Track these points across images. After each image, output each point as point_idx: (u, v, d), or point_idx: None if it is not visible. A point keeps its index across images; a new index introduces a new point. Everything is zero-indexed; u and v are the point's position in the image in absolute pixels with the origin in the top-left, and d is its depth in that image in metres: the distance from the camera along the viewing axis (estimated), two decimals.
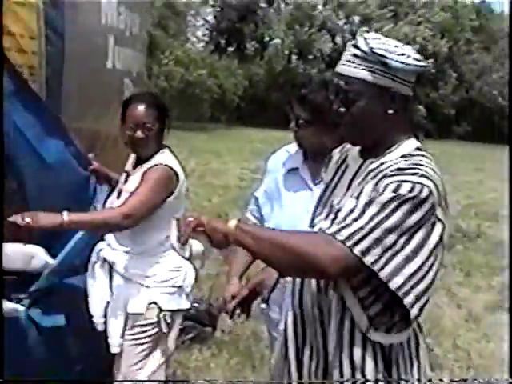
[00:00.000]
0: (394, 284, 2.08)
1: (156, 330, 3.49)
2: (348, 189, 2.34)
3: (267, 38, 41.93)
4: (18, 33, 3.24)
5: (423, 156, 2.25)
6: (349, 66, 2.23)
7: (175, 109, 26.22)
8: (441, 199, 2.16)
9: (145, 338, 3.49)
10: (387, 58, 2.16)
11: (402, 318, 2.21)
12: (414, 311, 2.13)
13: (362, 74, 2.19)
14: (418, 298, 2.12)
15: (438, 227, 2.15)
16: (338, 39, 43.54)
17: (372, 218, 2.08)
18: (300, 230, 2.45)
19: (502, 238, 10.72)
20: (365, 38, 2.21)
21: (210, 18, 44.47)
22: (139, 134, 3.37)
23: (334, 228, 2.10)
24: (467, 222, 12.04)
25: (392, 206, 2.07)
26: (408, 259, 2.08)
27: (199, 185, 13.44)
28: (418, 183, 2.09)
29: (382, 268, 2.07)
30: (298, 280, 2.47)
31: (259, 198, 3.55)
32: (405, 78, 2.21)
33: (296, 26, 41.14)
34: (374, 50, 2.16)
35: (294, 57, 40.81)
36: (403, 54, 2.18)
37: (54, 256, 3.60)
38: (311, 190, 3.24)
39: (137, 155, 3.56)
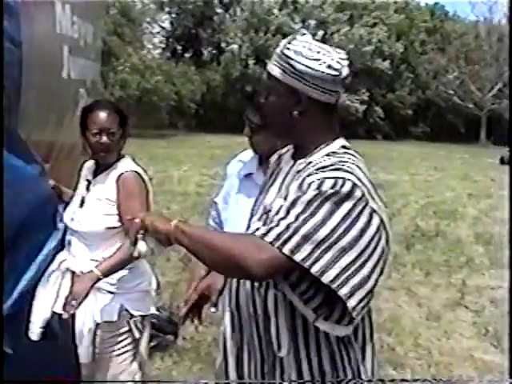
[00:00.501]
0: (327, 277, 2.10)
1: (131, 336, 3.48)
2: (279, 190, 2.41)
3: (224, 44, 41.99)
4: None
5: (348, 154, 2.32)
6: (272, 63, 2.35)
7: (133, 116, 26.10)
8: (370, 193, 2.21)
9: (124, 346, 3.48)
10: (293, 60, 2.26)
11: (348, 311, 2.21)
12: (351, 302, 2.14)
13: (276, 71, 2.32)
14: (354, 289, 2.13)
15: (376, 219, 2.18)
16: None
17: (298, 217, 2.11)
18: (234, 233, 2.49)
19: (461, 235, 10.88)
20: (289, 41, 2.32)
21: (166, 24, 44.41)
22: (105, 139, 3.37)
23: (263, 230, 2.14)
24: (426, 221, 12.17)
25: (316, 202, 2.11)
26: (343, 252, 2.10)
27: (158, 192, 13.35)
28: (340, 178, 2.14)
29: (314, 263, 2.09)
30: (234, 279, 2.51)
31: (218, 204, 3.58)
32: (315, 82, 2.26)
33: (252, 31, 41.29)
34: (283, 51, 2.28)
35: (250, 62, 40.91)
36: (316, 60, 2.25)
37: None
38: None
39: (98, 162, 3.54)
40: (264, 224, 2.22)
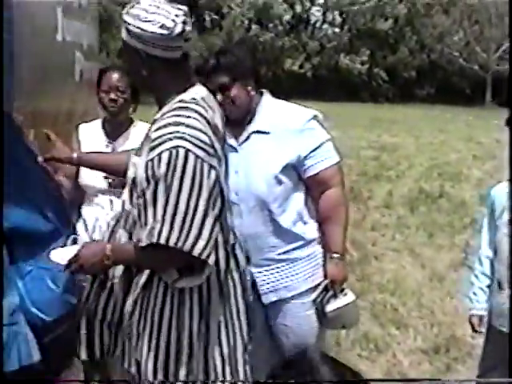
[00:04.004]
0: (197, 251, 2.46)
1: None
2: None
3: (225, 9, 41.69)
4: None
5: (194, 104, 2.56)
6: (122, 27, 2.57)
7: None
8: (207, 146, 2.48)
9: None
10: (131, 24, 2.49)
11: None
12: (204, 255, 2.48)
13: (123, 34, 2.55)
14: (207, 244, 2.47)
15: (213, 174, 2.49)
16: (298, 6, 43.45)
17: (164, 210, 2.43)
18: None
19: (465, 197, 10.83)
20: (131, 6, 2.53)
21: None
22: (113, 95, 3.71)
23: (144, 237, 2.48)
24: (430, 183, 12.12)
25: (161, 192, 2.42)
26: (201, 221, 2.46)
27: None
28: (174, 147, 2.41)
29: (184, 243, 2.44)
30: None
31: None
32: (152, 41, 2.49)
33: None
34: (123, 17, 2.51)
35: (253, 26, 40.66)
36: (150, 21, 2.46)
37: None
38: (236, 150, 3.27)
39: (111, 124, 3.84)
40: (131, 197, 2.64)
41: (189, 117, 2.49)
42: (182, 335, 2.67)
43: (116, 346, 2.91)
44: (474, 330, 3.61)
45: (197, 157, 2.42)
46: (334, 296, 3.38)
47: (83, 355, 2.98)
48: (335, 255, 3.37)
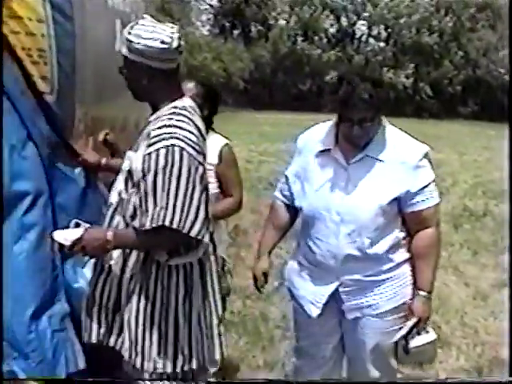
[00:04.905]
0: (193, 233, 2.91)
1: None
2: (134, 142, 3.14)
3: (272, 21, 41.76)
4: (25, 16, 3.24)
5: (185, 110, 3.03)
6: (121, 45, 3.03)
7: None
8: (196, 145, 2.94)
9: None
10: (134, 42, 2.91)
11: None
12: (200, 236, 2.94)
13: (124, 51, 2.97)
14: (202, 225, 2.93)
15: (200, 169, 2.95)
16: (344, 20, 43.39)
17: (167, 199, 2.85)
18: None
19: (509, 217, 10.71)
20: (131, 26, 2.95)
21: (213, 2, 44.29)
22: None
23: (148, 222, 2.89)
24: (475, 201, 12.04)
25: (160, 182, 2.85)
26: (197, 208, 2.90)
27: None
28: (170, 146, 2.86)
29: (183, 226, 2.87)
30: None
31: (289, 177, 3.61)
32: (153, 55, 2.93)
33: (299, 6, 40.93)
34: (127, 37, 2.92)
35: (299, 38, 40.65)
36: (151, 38, 2.89)
37: None
38: (345, 168, 3.32)
39: None
40: (126, 187, 3.04)
41: (182, 121, 2.96)
42: (169, 311, 3.08)
43: (112, 330, 3.22)
44: None
45: (189, 154, 2.88)
46: (418, 333, 3.42)
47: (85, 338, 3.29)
48: (423, 293, 3.40)
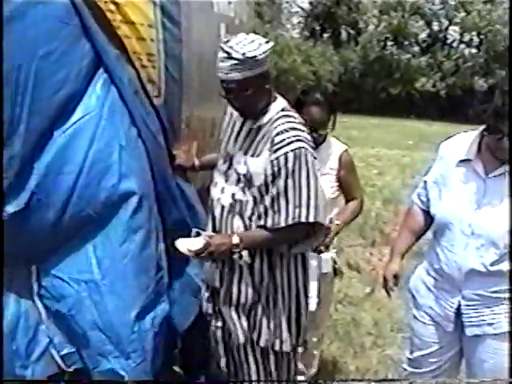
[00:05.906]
0: (321, 220, 3.20)
1: None
2: (243, 147, 3.29)
3: (362, 24, 41.50)
4: (137, 22, 3.33)
5: (291, 116, 3.24)
6: (228, 72, 3.08)
7: None
8: (310, 142, 3.22)
9: None
10: (241, 61, 3.02)
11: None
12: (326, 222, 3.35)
13: (237, 76, 3.07)
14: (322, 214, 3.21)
15: (316, 162, 3.18)
16: (435, 24, 42.77)
17: (300, 195, 3.11)
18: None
19: None
20: (231, 47, 3.03)
21: (305, 4, 44.30)
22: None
23: (283, 219, 3.13)
24: None
25: (291, 183, 3.09)
26: (318, 198, 3.15)
27: None
28: (297, 149, 3.09)
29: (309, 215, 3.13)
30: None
31: (428, 182, 3.61)
32: (259, 64, 3.08)
33: (389, 10, 40.52)
34: (246, 55, 3.02)
35: (389, 43, 40.25)
36: (255, 49, 3.03)
37: None
38: (484, 181, 3.28)
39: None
40: (243, 189, 3.23)
41: (296, 122, 3.21)
42: (291, 296, 3.36)
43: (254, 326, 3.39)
44: None
45: (311, 154, 3.13)
46: None
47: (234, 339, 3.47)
48: None
